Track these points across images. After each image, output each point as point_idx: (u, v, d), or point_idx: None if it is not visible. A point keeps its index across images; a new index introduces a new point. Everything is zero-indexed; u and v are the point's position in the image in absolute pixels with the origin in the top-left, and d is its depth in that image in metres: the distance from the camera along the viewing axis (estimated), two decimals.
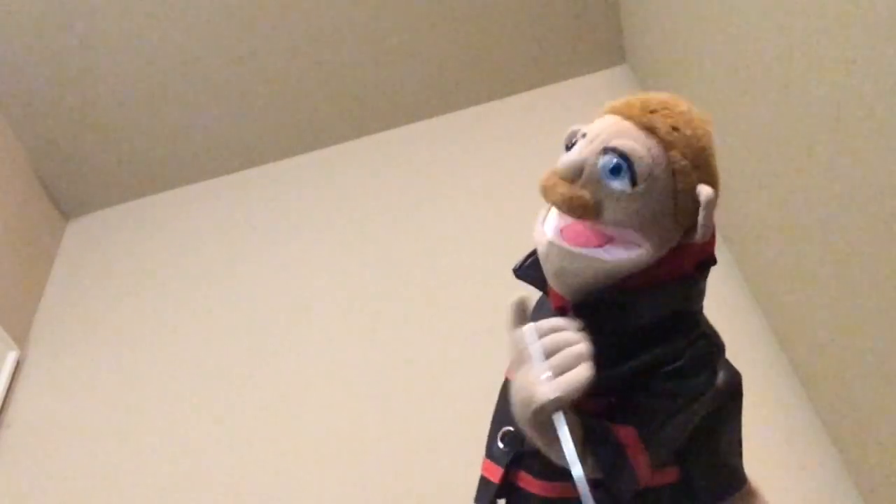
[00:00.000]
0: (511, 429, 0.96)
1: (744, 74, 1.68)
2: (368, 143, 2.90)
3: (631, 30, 2.64)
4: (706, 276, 0.90)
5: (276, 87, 2.80)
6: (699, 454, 0.94)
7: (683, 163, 0.83)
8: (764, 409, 1.74)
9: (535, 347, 0.80)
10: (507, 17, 2.70)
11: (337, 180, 2.80)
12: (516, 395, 0.81)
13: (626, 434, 0.86)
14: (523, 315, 0.86)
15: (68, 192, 2.97)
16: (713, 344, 0.92)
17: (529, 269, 0.93)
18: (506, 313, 0.86)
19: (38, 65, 2.69)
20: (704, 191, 0.83)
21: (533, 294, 0.91)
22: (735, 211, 1.91)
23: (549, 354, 0.79)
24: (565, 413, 0.78)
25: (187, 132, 2.87)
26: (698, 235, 0.84)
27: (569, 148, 0.88)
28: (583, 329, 0.82)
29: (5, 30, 2.61)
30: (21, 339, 2.54)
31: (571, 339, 0.80)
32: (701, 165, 0.85)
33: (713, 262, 0.90)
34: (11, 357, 2.45)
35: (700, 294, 0.92)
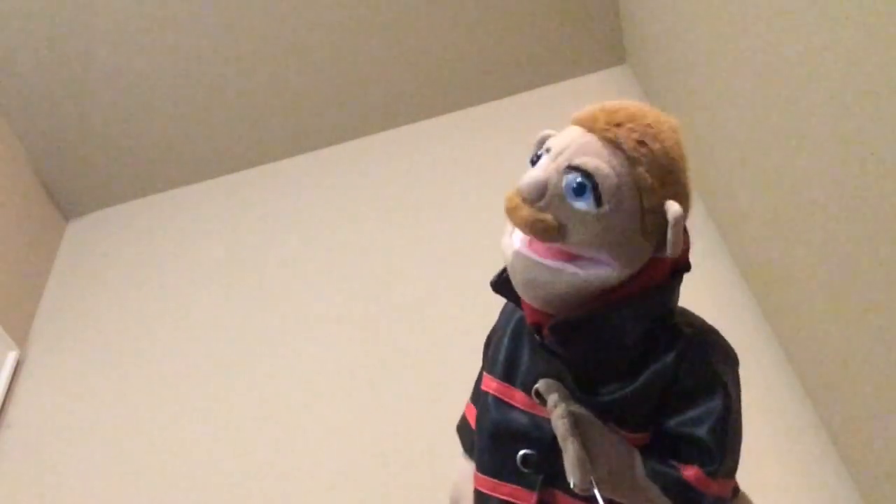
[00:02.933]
0: (531, 451, 0.93)
1: (744, 74, 1.68)
2: (368, 143, 2.90)
3: (631, 30, 2.64)
4: (681, 282, 0.89)
5: (276, 87, 2.80)
6: None
7: (650, 180, 0.80)
8: (764, 409, 1.74)
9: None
10: (507, 17, 2.70)
11: (337, 180, 2.80)
12: None
13: (694, 475, 0.87)
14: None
15: (68, 192, 2.97)
16: (706, 342, 0.91)
17: (506, 283, 0.90)
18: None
19: (38, 65, 2.69)
20: (672, 208, 0.79)
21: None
22: (734, 210, 1.91)
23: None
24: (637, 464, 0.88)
25: (187, 132, 2.87)
26: (668, 252, 0.81)
27: (533, 163, 0.86)
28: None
29: (5, 30, 2.62)
30: (21, 339, 2.54)
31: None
32: (668, 181, 0.81)
33: (688, 268, 0.89)
34: (11, 357, 2.45)
35: (676, 299, 0.90)
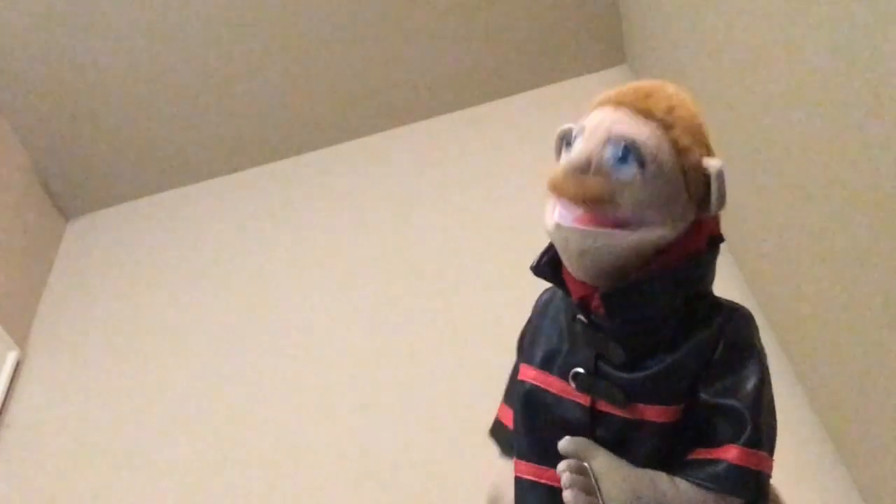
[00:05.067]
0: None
1: (744, 74, 1.68)
2: (368, 143, 2.90)
3: (631, 30, 2.64)
4: (717, 254, 0.93)
5: (276, 87, 2.80)
6: None
7: (686, 140, 0.85)
8: None
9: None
10: (507, 17, 2.70)
11: (337, 180, 2.80)
12: None
13: (735, 455, 0.88)
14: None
15: (68, 192, 2.97)
16: (743, 316, 0.95)
17: (546, 267, 0.93)
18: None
19: (39, 65, 2.69)
20: (712, 163, 0.85)
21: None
22: (735, 211, 1.91)
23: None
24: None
25: (187, 132, 2.87)
26: (713, 207, 0.86)
27: (569, 146, 0.89)
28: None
29: (6, 30, 2.62)
30: (21, 339, 2.54)
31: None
32: (701, 142, 0.87)
33: (721, 238, 0.93)
34: (11, 357, 2.44)
35: (713, 274, 0.94)
